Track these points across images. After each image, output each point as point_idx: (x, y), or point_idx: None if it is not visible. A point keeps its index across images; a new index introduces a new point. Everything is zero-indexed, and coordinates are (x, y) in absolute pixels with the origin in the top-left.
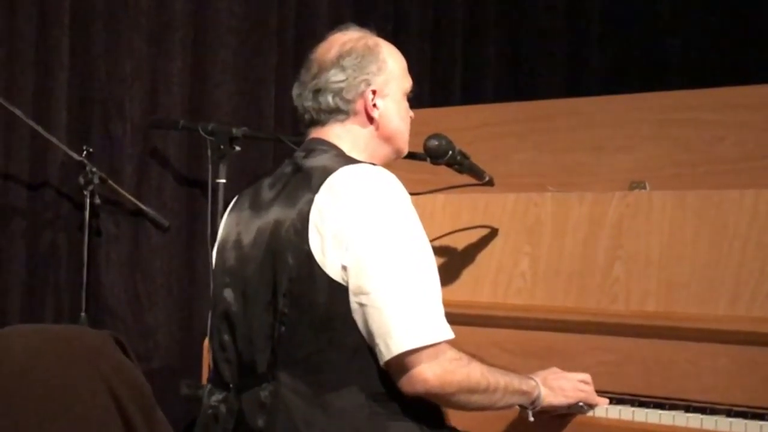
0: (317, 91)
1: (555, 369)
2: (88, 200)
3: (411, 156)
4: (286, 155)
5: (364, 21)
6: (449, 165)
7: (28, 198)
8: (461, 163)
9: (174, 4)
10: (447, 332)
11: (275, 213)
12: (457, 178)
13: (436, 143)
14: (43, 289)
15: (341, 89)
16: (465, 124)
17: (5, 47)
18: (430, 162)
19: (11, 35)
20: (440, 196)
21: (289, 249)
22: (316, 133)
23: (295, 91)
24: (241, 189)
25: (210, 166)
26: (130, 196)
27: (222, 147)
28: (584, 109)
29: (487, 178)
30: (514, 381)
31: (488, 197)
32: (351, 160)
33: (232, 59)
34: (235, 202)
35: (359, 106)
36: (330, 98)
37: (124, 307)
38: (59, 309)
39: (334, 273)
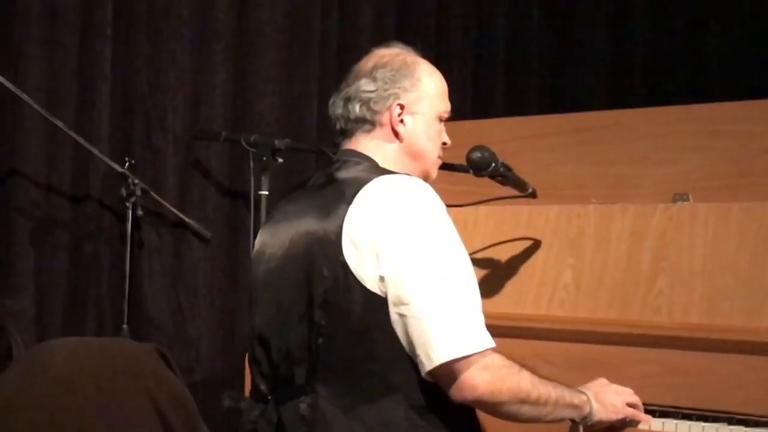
0: (347, 99)
1: (603, 381)
2: (130, 212)
3: (454, 168)
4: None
5: (407, 34)
6: (492, 177)
7: (70, 210)
8: (504, 175)
9: (217, 15)
10: (488, 341)
11: (308, 224)
12: (499, 190)
13: (479, 155)
14: (85, 301)
15: (369, 99)
16: (508, 135)
17: (48, 58)
18: (473, 174)
19: (54, 46)
20: (483, 208)
21: (324, 261)
22: (348, 144)
23: (330, 101)
24: None
25: (252, 178)
26: (172, 208)
27: (264, 158)
28: (627, 121)
29: (530, 190)
30: (566, 394)
31: (531, 209)
32: (385, 171)
33: (274, 70)
34: (269, 215)
35: (385, 118)
36: (358, 107)
37: (166, 319)
38: (101, 321)
39: (371, 284)
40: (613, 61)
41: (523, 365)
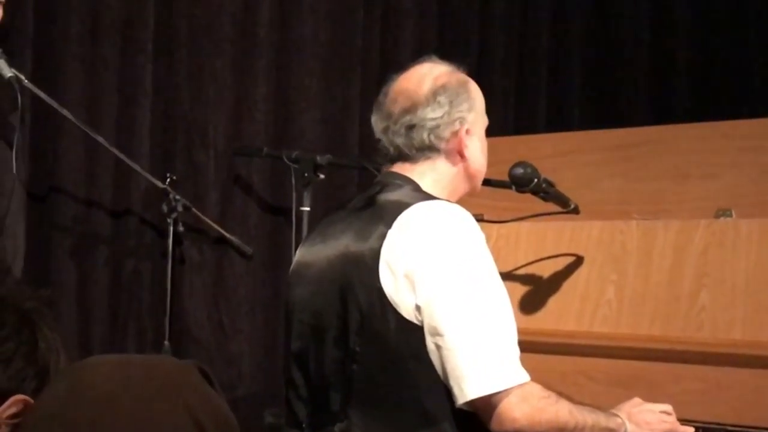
0: (411, 127)
1: (637, 400)
2: (171, 228)
3: (496, 184)
4: (371, 183)
5: (448, 49)
6: (534, 193)
7: (111, 225)
8: (546, 191)
9: (258, 30)
10: (522, 375)
11: (346, 247)
12: (542, 206)
13: (521, 171)
14: (126, 317)
15: (437, 126)
16: (550, 151)
17: (88, 74)
18: (515, 190)
19: (95, 62)
20: (525, 225)
21: (360, 286)
22: (396, 167)
23: (379, 123)
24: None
25: (294, 194)
26: (213, 224)
27: (306, 174)
28: (670, 137)
29: (572, 206)
30: (601, 419)
31: (573, 225)
32: (427, 196)
33: (316, 86)
34: (309, 234)
35: (452, 144)
36: (425, 135)
37: (207, 336)
38: (142, 337)
39: (407, 312)
40: (656, 77)
41: (564, 382)
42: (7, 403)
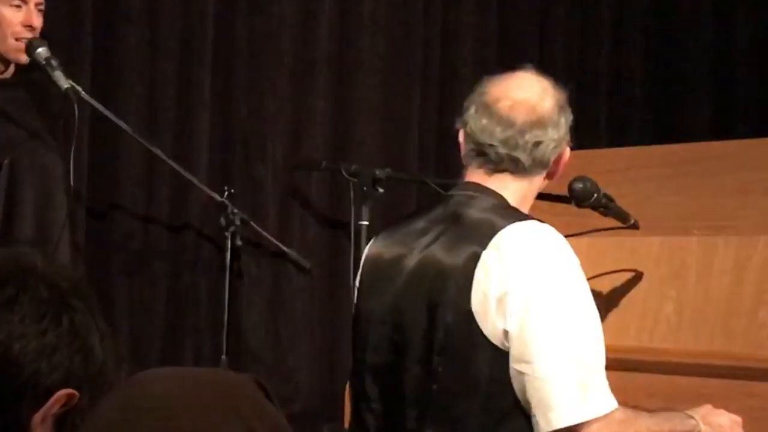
0: (538, 144)
1: (709, 406)
2: (229, 242)
3: (556, 198)
4: (430, 197)
5: (508, 63)
6: (594, 208)
7: (169, 239)
8: (606, 206)
9: (317, 43)
10: (610, 403)
11: (435, 260)
12: (601, 221)
13: (581, 186)
14: (184, 331)
15: (557, 146)
16: (610, 166)
17: (147, 87)
18: (574, 205)
19: (153, 75)
20: (585, 240)
21: (449, 305)
22: (478, 177)
23: (497, 131)
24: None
25: (353, 208)
26: (271, 238)
27: (365, 188)
28: (730, 152)
29: (632, 222)
30: (677, 425)
31: (633, 241)
32: (519, 215)
33: (375, 99)
34: (377, 243)
35: (555, 163)
36: (548, 153)
37: (265, 350)
38: (200, 352)
39: (494, 336)
40: (717, 92)
41: (624, 399)
42: (51, 400)
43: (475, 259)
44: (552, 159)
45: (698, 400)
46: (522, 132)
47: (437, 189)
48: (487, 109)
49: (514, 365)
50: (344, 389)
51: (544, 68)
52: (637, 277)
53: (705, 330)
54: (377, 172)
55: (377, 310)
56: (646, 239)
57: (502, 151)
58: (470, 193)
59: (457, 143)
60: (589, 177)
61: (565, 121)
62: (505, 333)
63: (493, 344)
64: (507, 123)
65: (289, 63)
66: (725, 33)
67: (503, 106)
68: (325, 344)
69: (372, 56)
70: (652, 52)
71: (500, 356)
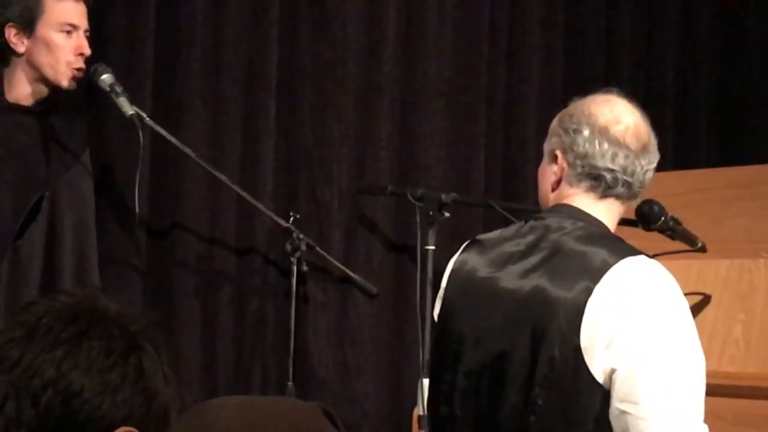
0: (647, 170)
1: None
2: (295, 267)
3: (623, 222)
4: (497, 221)
5: (574, 86)
6: (661, 231)
7: (235, 265)
8: (673, 229)
9: (382, 67)
10: None
11: (539, 290)
12: (669, 244)
13: (649, 209)
14: (250, 357)
15: (651, 177)
16: (677, 189)
17: (211, 112)
18: (642, 228)
19: (217, 100)
20: None
21: (555, 337)
22: (583, 200)
23: (622, 160)
24: (450, 256)
25: (419, 233)
26: (337, 263)
27: (431, 213)
28: None
29: (699, 245)
30: None
31: (701, 263)
32: (630, 250)
33: (441, 123)
34: (469, 259)
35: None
36: (650, 177)
37: (332, 376)
38: (266, 378)
39: (599, 373)
40: None
41: None
42: None
43: (587, 293)
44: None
45: (767, 423)
46: (638, 157)
47: (503, 213)
48: (605, 133)
49: (617, 404)
50: (412, 414)
51: (610, 91)
52: (705, 300)
53: None
54: (443, 197)
55: (473, 333)
56: (713, 262)
57: (621, 176)
58: (577, 218)
59: (527, 165)
60: (656, 200)
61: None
62: (612, 371)
63: (596, 381)
64: (626, 148)
65: (354, 87)
66: None
67: (619, 130)
68: (392, 369)
69: (437, 80)
70: (719, 74)
71: (602, 394)
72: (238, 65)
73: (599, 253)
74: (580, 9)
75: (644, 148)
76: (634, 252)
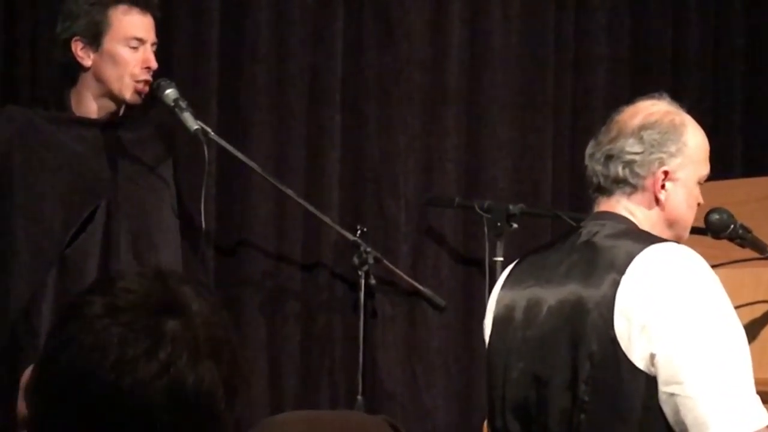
0: (609, 157)
1: None
2: (363, 281)
3: (692, 230)
4: (566, 231)
5: (641, 95)
6: (731, 239)
7: (302, 279)
8: (743, 237)
9: (448, 79)
10: (763, 418)
11: (572, 291)
12: (738, 252)
13: (718, 217)
14: (318, 371)
15: (633, 162)
16: (746, 197)
17: (276, 126)
18: (711, 236)
19: (282, 114)
20: (722, 271)
21: (593, 333)
22: (605, 205)
23: (588, 150)
24: None
25: (487, 244)
26: (405, 276)
27: (499, 224)
28: None
29: None
30: None
31: None
32: (654, 238)
33: (508, 134)
34: (511, 277)
35: (648, 183)
36: (620, 168)
37: (401, 390)
38: (335, 392)
39: (640, 361)
40: None
41: None
42: None
43: (615, 285)
44: (640, 176)
45: None
46: (600, 147)
47: (571, 223)
48: (596, 135)
49: (664, 388)
50: (481, 428)
51: (678, 98)
52: None
53: None
54: (511, 208)
55: (515, 345)
56: None
57: (589, 167)
58: (602, 221)
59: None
60: (725, 208)
61: (655, 139)
62: (652, 356)
63: (639, 369)
64: (597, 142)
65: (420, 99)
66: None
67: (603, 129)
68: (461, 382)
69: (503, 90)
70: None
71: (647, 380)
72: (303, 78)
73: (624, 246)
74: (646, 17)
75: (613, 139)
76: (659, 240)
